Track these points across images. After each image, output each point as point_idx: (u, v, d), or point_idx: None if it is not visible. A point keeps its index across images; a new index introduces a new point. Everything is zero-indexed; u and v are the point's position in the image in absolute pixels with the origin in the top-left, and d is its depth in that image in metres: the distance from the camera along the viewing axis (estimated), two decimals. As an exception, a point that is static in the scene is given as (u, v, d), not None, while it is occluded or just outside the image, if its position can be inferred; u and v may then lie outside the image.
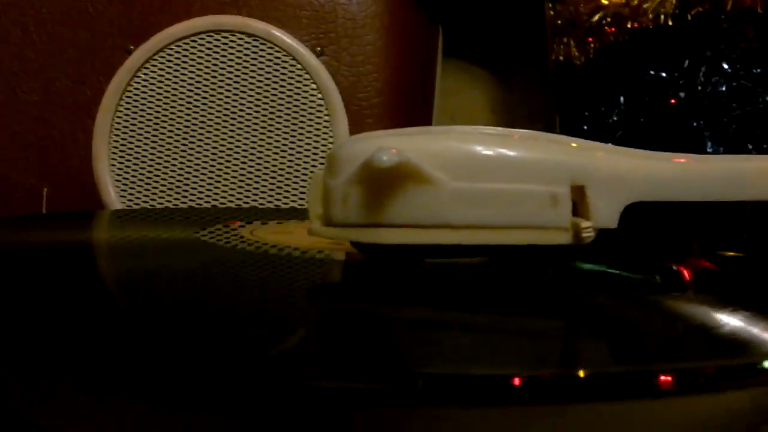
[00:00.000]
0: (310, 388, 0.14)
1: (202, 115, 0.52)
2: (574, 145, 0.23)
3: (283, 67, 0.52)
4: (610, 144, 0.23)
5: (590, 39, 0.62)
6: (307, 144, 0.52)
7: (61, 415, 0.15)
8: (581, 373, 0.15)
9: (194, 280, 0.24)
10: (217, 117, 0.52)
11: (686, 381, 0.14)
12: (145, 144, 0.52)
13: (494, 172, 0.21)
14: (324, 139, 0.52)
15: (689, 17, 0.60)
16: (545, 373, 0.14)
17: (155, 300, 0.21)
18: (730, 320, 0.21)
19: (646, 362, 0.16)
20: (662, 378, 0.14)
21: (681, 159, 0.23)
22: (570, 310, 0.22)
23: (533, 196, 0.21)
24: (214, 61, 0.52)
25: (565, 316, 0.21)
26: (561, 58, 0.62)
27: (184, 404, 0.14)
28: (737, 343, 0.18)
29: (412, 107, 0.58)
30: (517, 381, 0.14)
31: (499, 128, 0.22)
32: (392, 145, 0.20)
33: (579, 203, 0.22)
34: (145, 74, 0.52)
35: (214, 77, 0.52)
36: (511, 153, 0.21)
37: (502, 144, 0.21)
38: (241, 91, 0.52)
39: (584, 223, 0.21)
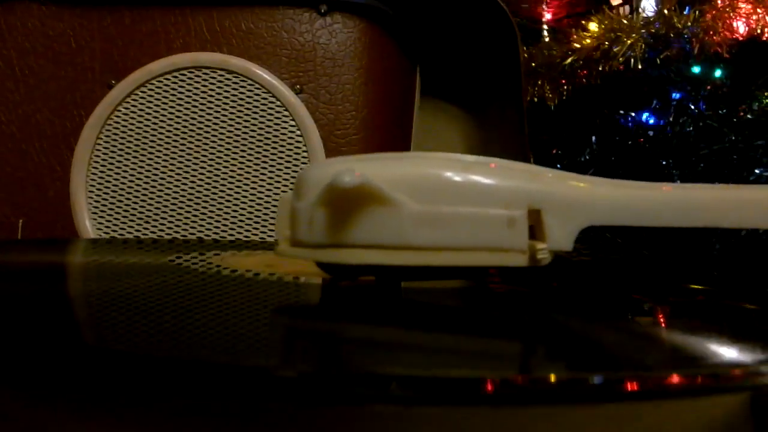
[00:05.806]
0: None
1: (182, 149, 0.53)
2: (550, 175, 0.24)
3: (263, 104, 0.53)
4: (573, 173, 0.24)
5: (563, 81, 0.64)
6: (285, 179, 0.52)
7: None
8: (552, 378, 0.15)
9: (151, 296, 0.25)
10: (196, 151, 0.53)
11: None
12: (124, 177, 0.53)
13: (454, 195, 0.22)
14: (301, 174, 0.52)
15: (658, 61, 0.62)
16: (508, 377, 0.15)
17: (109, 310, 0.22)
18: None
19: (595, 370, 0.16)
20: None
21: (635, 186, 0.24)
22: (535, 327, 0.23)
23: (491, 219, 0.22)
24: (194, 97, 0.53)
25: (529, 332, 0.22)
26: (535, 99, 0.64)
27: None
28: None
29: (389, 145, 0.58)
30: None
31: (468, 155, 0.23)
32: (356, 168, 0.21)
33: (536, 226, 0.22)
34: (125, 108, 0.53)
35: (194, 112, 0.53)
36: (471, 177, 0.22)
37: (462, 169, 0.22)
38: (221, 127, 0.53)
39: (540, 245, 0.22)
